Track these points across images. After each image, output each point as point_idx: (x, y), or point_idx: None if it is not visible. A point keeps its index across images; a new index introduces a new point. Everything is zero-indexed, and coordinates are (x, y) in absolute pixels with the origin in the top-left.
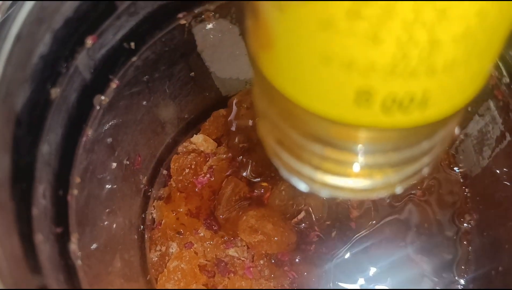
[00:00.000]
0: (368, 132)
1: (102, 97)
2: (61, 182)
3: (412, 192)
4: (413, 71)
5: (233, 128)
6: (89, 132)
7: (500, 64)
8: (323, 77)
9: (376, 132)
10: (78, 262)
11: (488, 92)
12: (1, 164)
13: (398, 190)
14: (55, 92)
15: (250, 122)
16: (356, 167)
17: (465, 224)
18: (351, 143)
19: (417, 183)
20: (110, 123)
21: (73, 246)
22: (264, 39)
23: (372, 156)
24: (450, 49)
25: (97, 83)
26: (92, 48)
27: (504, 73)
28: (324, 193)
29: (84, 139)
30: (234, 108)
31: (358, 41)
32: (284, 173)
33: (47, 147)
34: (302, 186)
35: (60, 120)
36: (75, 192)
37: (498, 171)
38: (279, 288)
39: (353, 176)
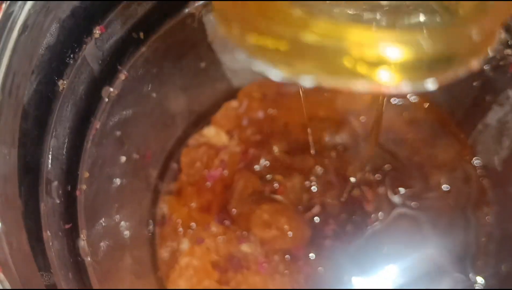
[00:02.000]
0: None
1: (111, 89)
2: (70, 177)
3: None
4: None
5: (245, 121)
6: (98, 125)
7: None
8: None
9: None
10: (88, 259)
11: (507, 81)
12: (9, 159)
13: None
14: (62, 84)
15: (262, 114)
16: None
17: (485, 217)
18: None
19: (435, 182)
20: (119, 116)
21: (82, 242)
22: None
23: None
24: None
25: (106, 75)
26: (100, 39)
27: None
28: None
29: (92, 132)
30: (245, 100)
31: None
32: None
33: (55, 141)
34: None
35: (67, 113)
36: (84, 187)
37: None
38: (294, 283)
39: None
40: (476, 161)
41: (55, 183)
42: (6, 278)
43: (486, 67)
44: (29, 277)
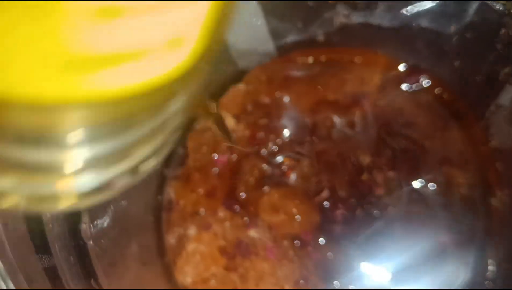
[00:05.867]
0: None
1: None
2: None
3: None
4: None
5: (252, 105)
6: None
7: None
8: None
9: None
10: (90, 243)
11: None
12: None
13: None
14: None
15: (269, 98)
16: None
17: (497, 201)
18: None
19: (446, 165)
20: None
21: (84, 225)
22: None
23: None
24: None
25: None
26: None
27: None
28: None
29: None
30: (252, 83)
31: None
32: None
33: None
34: None
35: None
36: None
37: None
38: (303, 269)
39: None
40: (489, 144)
41: None
42: (1, 260)
43: (497, 43)
44: (25, 259)
